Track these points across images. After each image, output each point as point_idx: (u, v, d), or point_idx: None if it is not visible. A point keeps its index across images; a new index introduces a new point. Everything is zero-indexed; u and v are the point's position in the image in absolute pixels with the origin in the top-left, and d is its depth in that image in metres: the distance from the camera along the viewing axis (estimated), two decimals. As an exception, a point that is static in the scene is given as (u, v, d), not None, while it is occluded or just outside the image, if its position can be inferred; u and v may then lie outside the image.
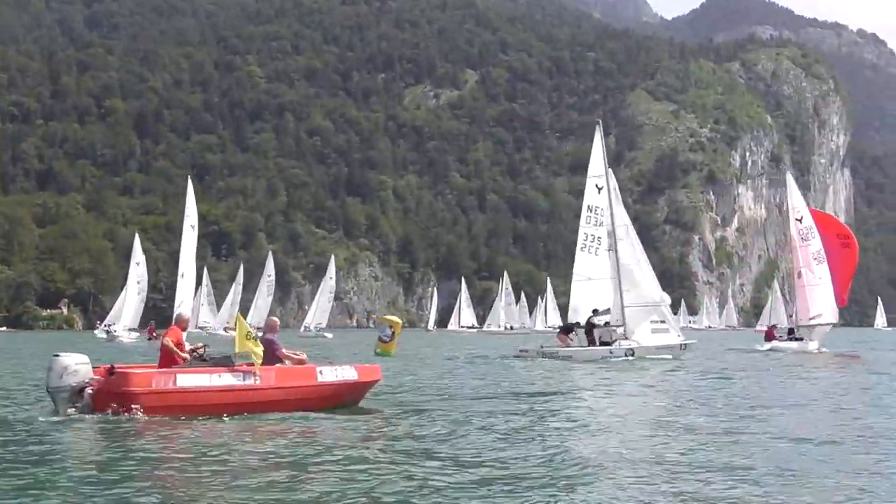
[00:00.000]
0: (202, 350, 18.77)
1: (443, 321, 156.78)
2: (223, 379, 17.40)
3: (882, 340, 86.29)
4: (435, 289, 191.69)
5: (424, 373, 30.80)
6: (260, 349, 17.85)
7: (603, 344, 41.48)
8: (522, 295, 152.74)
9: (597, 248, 43.98)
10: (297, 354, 19.43)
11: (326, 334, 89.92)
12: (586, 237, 44.32)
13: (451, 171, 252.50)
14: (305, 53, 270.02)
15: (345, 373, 19.14)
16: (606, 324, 42.37)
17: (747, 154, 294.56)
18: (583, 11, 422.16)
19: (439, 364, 37.36)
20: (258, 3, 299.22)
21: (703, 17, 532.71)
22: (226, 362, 17.96)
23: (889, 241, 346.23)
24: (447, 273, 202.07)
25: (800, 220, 52.83)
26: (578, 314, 43.72)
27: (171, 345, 18.41)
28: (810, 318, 51.70)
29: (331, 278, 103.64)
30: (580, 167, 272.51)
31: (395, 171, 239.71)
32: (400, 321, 42.80)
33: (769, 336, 56.21)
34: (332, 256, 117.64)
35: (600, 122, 48.24)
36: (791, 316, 56.70)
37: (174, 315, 21.08)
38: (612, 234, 43.75)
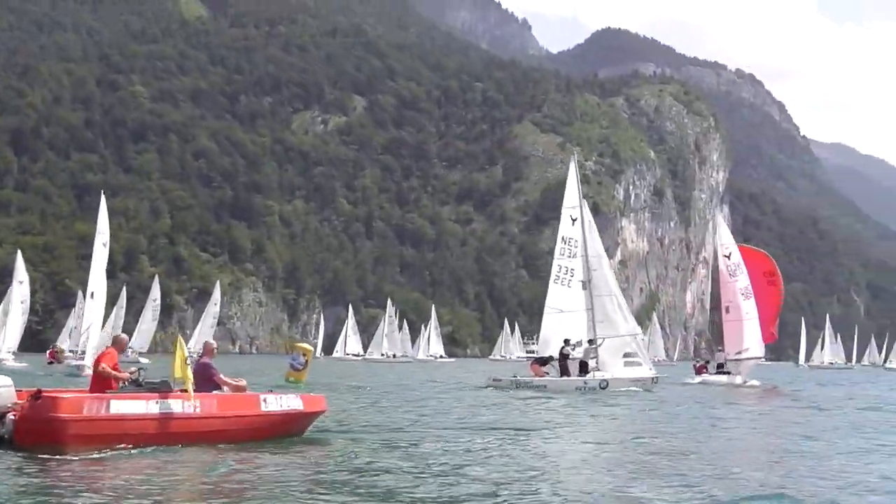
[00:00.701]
0: (136, 374, 17.29)
1: (328, 348, 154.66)
2: (161, 406, 16.14)
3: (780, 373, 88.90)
4: (321, 315, 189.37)
5: (353, 403, 30.27)
6: (190, 376, 16.64)
7: (582, 367, 41.49)
8: (405, 323, 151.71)
9: (570, 279, 43.90)
10: (236, 381, 18.22)
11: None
12: (560, 269, 44.27)
13: (338, 198, 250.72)
14: (191, 74, 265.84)
15: (290, 402, 18.07)
16: (591, 348, 42.14)
17: (631, 187, 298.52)
18: (471, 42, 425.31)
19: (360, 394, 36.17)
20: (143, 21, 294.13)
21: (587, 52, 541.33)
22: (163, 388, 16.68)
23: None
24: (333, 299, 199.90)
25: (728, 257, 54.45)
26: (549, 346, 43.43)
27: (109, 368, 16.92)
28: (737, 353, 53.11)
29: (215, 303, 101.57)
30: (467, 196, 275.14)
31: (281, 195, 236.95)
32: (311, 348, 41.49)
33: (699, 370, 58.11)
34: (217, 281, 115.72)
35: (575, 153, 48.29)
36: (720, 350, 57.68)
37: (112, 337, 19.83)
38: (586, 265, 43.62)
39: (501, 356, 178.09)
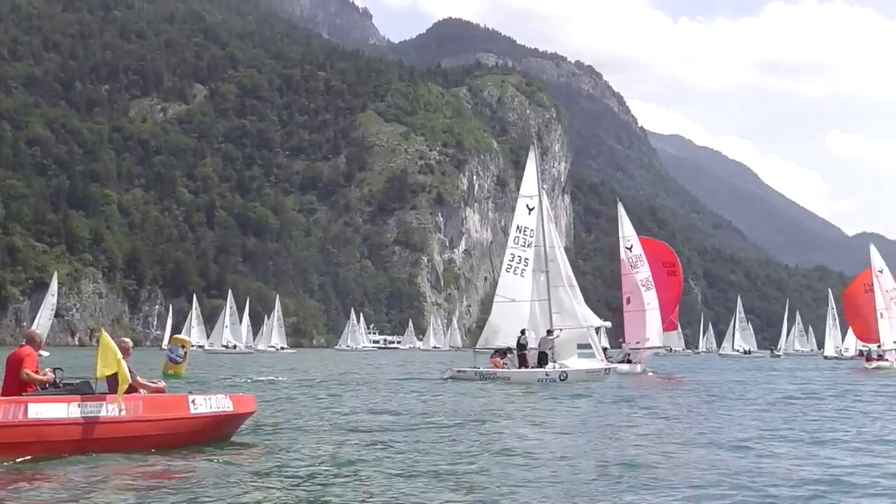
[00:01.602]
0: (54, 375, 15.67)
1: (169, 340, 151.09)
2: (83, 409, 14.59)
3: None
4: (163, 306, 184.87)
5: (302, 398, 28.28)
6: (127, 374, 15.08)
7: (541, 358, 40.80)
8: (246, 314, 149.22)
9: (522, 269, 43.25)
10: (154, 383, 16.66)
11: (43, 353, 77.63)
12: (512, 258, 43.65)
13: (178, 187, 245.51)
14: (24, 60, 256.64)
15: (220, 403, 16.62)
16: (549, 339, 41.37)
17: (475, 177, 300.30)
18: (312, 31, 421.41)
19: (279, 390, 33.43)
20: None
21: (429, 42, 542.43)
22: (84, 389, 15.12)
23: (606, 266, 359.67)
24: (175, 290, 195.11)
25: (629, 249, 55.87)
26: (498, 335, 42.80)
27: (32, 373, 15.17)
28: (637, 342, 54.79)
29: (52, 294, 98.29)
30: (310, 186, 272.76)
31: (120, 184, 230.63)
32: (189, 341, 40.27)
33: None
34: (55, 272, 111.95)
35: (535, 142, 47.31)
36: (622, 340, 58.94)
37: (26, 334, 16.88)
38: (543, 255, 43.14)
39: (348, 346, 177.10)
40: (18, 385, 14.98)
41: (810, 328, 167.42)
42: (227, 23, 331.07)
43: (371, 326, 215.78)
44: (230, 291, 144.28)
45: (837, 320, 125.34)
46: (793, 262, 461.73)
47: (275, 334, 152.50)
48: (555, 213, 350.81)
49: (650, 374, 52.44)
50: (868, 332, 70.54)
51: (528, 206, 44.38)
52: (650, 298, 54.43)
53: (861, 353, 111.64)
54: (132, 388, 15.49)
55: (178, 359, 36.19)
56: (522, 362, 41.00)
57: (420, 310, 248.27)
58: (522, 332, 41.52)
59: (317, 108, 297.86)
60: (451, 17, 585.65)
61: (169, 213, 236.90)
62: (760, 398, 31.11)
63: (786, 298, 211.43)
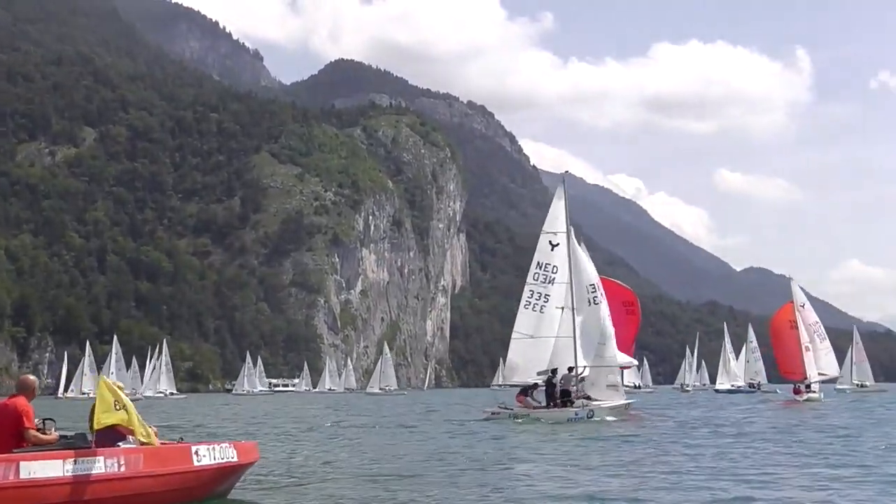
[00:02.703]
0: (50, 431, 14.07)
1: (58, 388, 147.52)
2: (79, 466, 13.18)
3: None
4: (54, 354, 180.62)
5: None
6: (140, 423, 14.07)
7: (564, 395, 40.73)
8: (134, 360, 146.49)
9: (542, 305, 43.17)
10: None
11: None
12: (531, 294, 43.58)
13: (68, 231, 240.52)
14: None
15: (224, 452, 15.33)
16: (571, 376, 41.58)
17: (370, 218, 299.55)
18: (203, 72, 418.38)
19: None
20: None
21: (321, 83, 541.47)
22: (80, 443, 13.71)
23: (502, 304, 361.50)
24: (67, 337, 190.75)
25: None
26: (516, 372, 42.70)
27: (39, 434, 13.63)
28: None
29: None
30: (204, 228, 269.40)
31: (7, 230, 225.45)
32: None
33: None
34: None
35: (564, 180, 47.00)
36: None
37: (21, 380, 14.54)
38: (570, 291, 42.92)
39: (244, 390, 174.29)
40: (9, 440, 13.38)
41: (703, 362, 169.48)
42: (117, 65, 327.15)
43: (270, 370, 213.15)
44: (115, 337, 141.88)
45: (733, 354, 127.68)
46: (683, 297, 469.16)
47: (163, 379, 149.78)
48: (450, 252, 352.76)
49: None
50: (793, 366, 72.26)
51: (550, 242, 44.32)
52: None
53: (751, 385, 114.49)
54: (118, 436, 14.14)
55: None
56: (551, 399, 40.91)
57: (317, 352, 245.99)
58: (554, 371, 41.61)
59: (210, 149, 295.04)
60: (342, 59, 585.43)
61: (59, 258, 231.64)
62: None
63: (679, 334, 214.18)
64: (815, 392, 69.00)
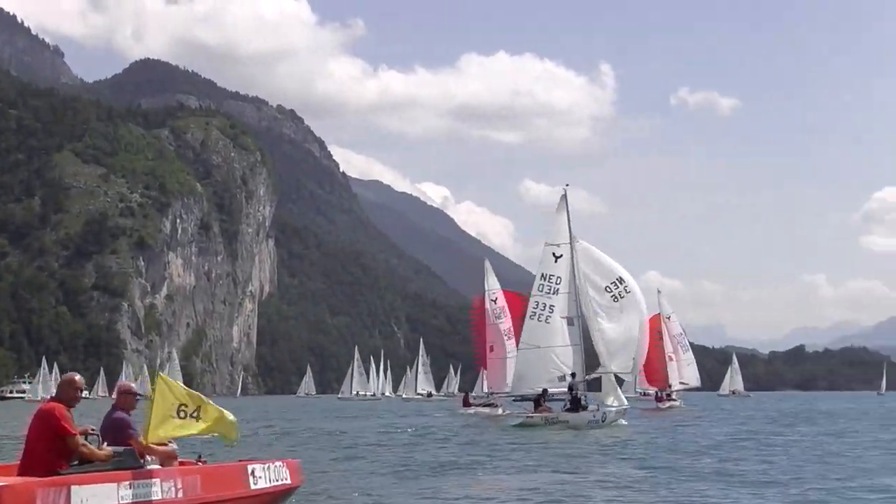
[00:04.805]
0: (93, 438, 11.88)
1: None
2: (135, 492, 10.98)
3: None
4: None
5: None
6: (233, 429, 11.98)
7: (575, 401, 42.66)
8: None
9: (548, 315, 44.71)
10: (165, 446, 12.23)
11: None
12: (537, 305, 45.23)
13: None
14: None
15: (278, 473, 13.22)
16: (577, 381, 44.05)
17: (178, 221, 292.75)
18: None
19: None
20: None
21: (126, 82, 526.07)
22: (131, 461, 11.37)
23: (310, 311, 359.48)
24: None
25: (494, 301, 61.79)
26: (524, 382, 44.80)
27: (92, 448, 11.46)
28: (499, 388, 59.92)
29: None
30: (1, 229, 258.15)
31: None
32: None
33: (466, 402, 67.29)
34: None
35: (566, 191, 47.49)
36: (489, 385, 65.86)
37: (62, 382, 11.85)
38: (575, 301, 44.93)
39: (40, 398, 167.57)
40: (52, 457, 11.04)
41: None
42: None
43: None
44: None
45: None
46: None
47: None
48: (259, 257, 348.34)
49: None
50: (656, 375, 77.31)
51: (553, 254, 45.57)
52: (510, 347, 58.39)
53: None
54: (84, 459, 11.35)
55: None
56: (574, 404, 42.71)
57: (119, 357, 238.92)
58: (573, 375, 43.75)
59: (9, 147, 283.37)
60: (148, 58, 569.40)
61: None
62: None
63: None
64: (675, 400, 73.82)
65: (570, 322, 45.06)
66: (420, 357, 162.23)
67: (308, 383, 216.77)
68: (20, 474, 10.87)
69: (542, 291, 45.52)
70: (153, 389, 11.51)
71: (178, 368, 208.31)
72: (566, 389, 43.97)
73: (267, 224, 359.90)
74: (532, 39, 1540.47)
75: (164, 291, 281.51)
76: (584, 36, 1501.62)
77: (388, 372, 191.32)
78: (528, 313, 45.83)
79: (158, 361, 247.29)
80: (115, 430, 11.94)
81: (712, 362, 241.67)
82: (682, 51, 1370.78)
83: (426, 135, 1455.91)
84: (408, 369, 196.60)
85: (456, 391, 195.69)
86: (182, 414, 11.45)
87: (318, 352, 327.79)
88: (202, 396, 11.75)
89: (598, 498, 17.82)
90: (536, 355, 44.88)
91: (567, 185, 48.68)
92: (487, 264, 66.13)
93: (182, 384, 11.74)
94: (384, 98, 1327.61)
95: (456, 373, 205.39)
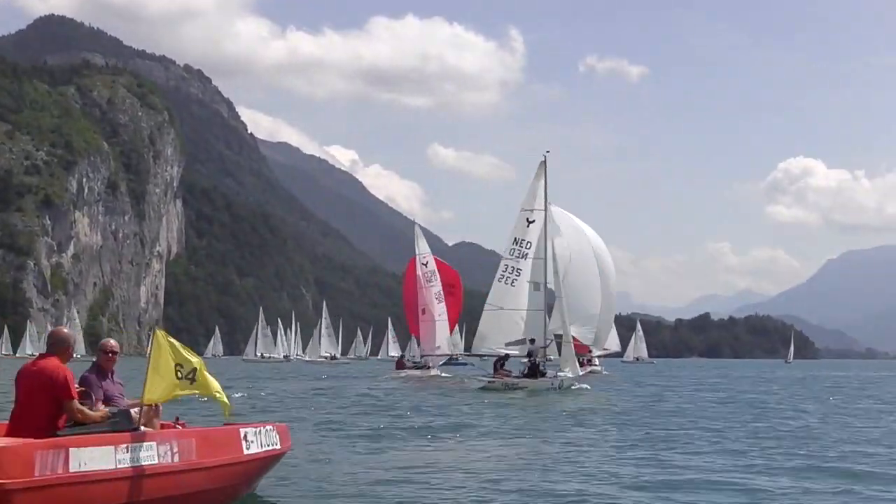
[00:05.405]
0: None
1: None
2: (133, 455, 10.24)
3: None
4: None
5: None
6: (219, 392, 11.17)
7: (533, 366, 42.86)
8: None
9: (514, 279, 45.25)
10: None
11: None
12: (505, 268, 45.68)
13: None
14: None
15: (269, 437, 12.52)
16: (536, 347, 44.24)
17: (84, 180, 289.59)
18: None
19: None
20: None
21: (30, 38, 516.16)
22: (125, 423, 10.67)
23: (218, 272, 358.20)
24: None
25: (425, 265, 62.36)
26: (485, 342, 44.97)
27: (86, 410, 10.74)
28: (431, 349, 62.03)
29: None
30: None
31: None
32: None
33: (399, 365, 68.17)
34: None
35: (546, 157, 47.94)
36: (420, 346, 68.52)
37: (50, 334, 11.30)
38: (543, 267, 45.71)
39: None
40: (47, 419, 10.48)
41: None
42: None
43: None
44: None
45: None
46: (398, 269, 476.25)
47: None
48: (167, 217, 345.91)
49: (444, 376, 58.24)
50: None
51: (528, 219, 45.92)
52: (441, 310, 60.50)
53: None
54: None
55: None
56: (533, 370, 42.93)
57: (25, 316, 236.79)
58: (532, 340, 43.80)
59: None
60: (53, 15, 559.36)
61: None
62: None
63: (395, 306, 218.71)
64: (597, 365, 74.48)
65: (535, 287, 45.64)
66: (323, 319, 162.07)
67: (216, 345, 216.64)
68: (10, 434, 10.37)
69: (511, 255, 46.19)
70: (151, 339, 11.00)
71: (80, 329, 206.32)
72: (525, 355, 44.67)
73: (175, 184, 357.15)
74: (441, 3, 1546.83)
75: (71, 251, 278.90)
76: (494, 0, 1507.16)
77: (298, 334, 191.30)
78: (497, 276, 46.05)
79: (65, 320, 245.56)
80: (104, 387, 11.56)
81: (620, 329, 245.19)
82: (591, 17, 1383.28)
83: (334, 97, 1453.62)
84: (314, 332, 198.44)
85: (366, 355, 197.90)
86: (179, 374, 10.73)
87: (226, 313, 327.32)
88: (201, 361, 10.96)
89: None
90: (498, 317, 45.31)
91: (548, 151, 48.16)
92: (418, 229, 67.48)
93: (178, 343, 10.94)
94: (292, 59, 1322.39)
95: (366, 337, 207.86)
